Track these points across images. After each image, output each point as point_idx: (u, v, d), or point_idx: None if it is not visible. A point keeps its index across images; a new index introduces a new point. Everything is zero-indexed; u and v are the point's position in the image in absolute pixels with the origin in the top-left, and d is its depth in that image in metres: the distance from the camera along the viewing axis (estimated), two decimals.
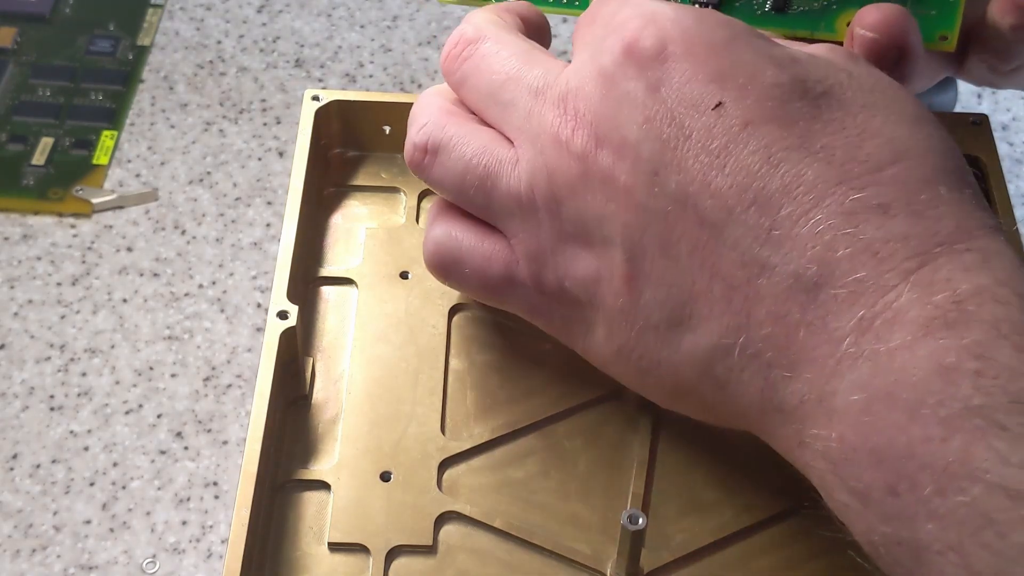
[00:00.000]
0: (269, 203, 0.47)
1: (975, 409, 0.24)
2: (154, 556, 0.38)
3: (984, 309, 0.26)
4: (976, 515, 0.24)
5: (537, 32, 0.35)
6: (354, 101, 0.39)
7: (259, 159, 0.48)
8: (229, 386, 0.42)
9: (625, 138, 0.30)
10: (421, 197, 0.39)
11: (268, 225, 0.46)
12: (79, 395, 0.41)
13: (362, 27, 0.54)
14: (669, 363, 0.30)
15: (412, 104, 0.35)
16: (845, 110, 0.29)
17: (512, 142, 0.32)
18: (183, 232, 0.46)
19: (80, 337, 0.43)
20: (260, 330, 0.43)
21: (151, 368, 0.42)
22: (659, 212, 0.29)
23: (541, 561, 0.32)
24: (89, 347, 0.43)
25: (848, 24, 0.34)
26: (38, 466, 0.40)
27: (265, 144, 0.49)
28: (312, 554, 0.31)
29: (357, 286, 0.37)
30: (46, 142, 0.49)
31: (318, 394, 0.34)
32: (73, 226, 0.46)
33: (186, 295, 0.44)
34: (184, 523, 0.38)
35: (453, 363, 0.35)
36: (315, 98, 0.39)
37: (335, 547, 0.31)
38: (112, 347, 0.43)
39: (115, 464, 0.40)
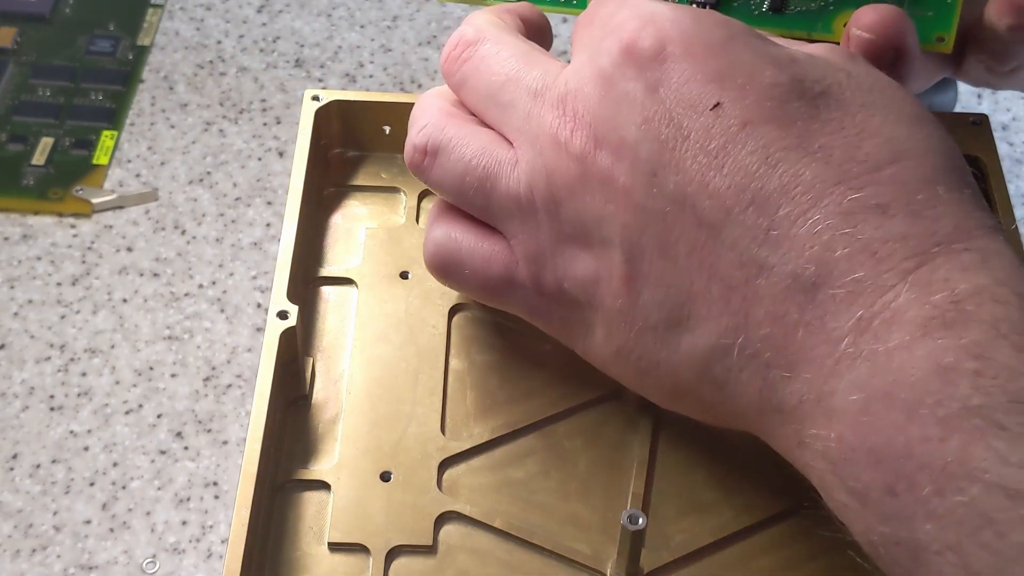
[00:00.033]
0: (269, 203, 0.47)
1: (974, 409, 0.24)
2: (154, 556, 0.38)
3: (983, 309, 0.26)
4: (975, 515, 0.24)
5: (538, 33, 0.36)
6: (354, 101, 0.39)
7: (259, 159, 0.48)
8: (229, 386, 0.42)
9: (624, 139, 0.30)
10: (421, 197, 0.39)
11: (268, 225, 0.46)
12: (79, 395, 0.41)
13: (362, 27, 0.54)
14: (668, 363, 0.30)
15: (412, 104, 0.35)
16: (843, 110, 0.29)
17: (511, 143, 0.32)
18: (183, 232, 0.46)
19: (80, 337, 0.43)
20: (260, 330, 0.43)
21: (151, 368, 0.42)
22: (658, 213, 0.29)
23: (541, 561, 0.32)
24: (89, 347, 0.43)
25: (845, 25, 0.34)
26: (38, 466, 0.40)
27: (265, 144, 0.49)
28: (312, 554, 0.31)
29: (357, 286, 0.37)
30: (46, 142, 0.49)
31: (318, 394, 0.34)
32: (73, 226, 0.46)
33: (186, 295, 0.44)
34: (184, 523, 0.38)
35: (453, 363, 0.35)
36: (315, 98, 0.39)
37: (335, 547, 0.32)
38: (112, 347, 0.43)
39: (115, 464, 0.40)
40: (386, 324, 0.36)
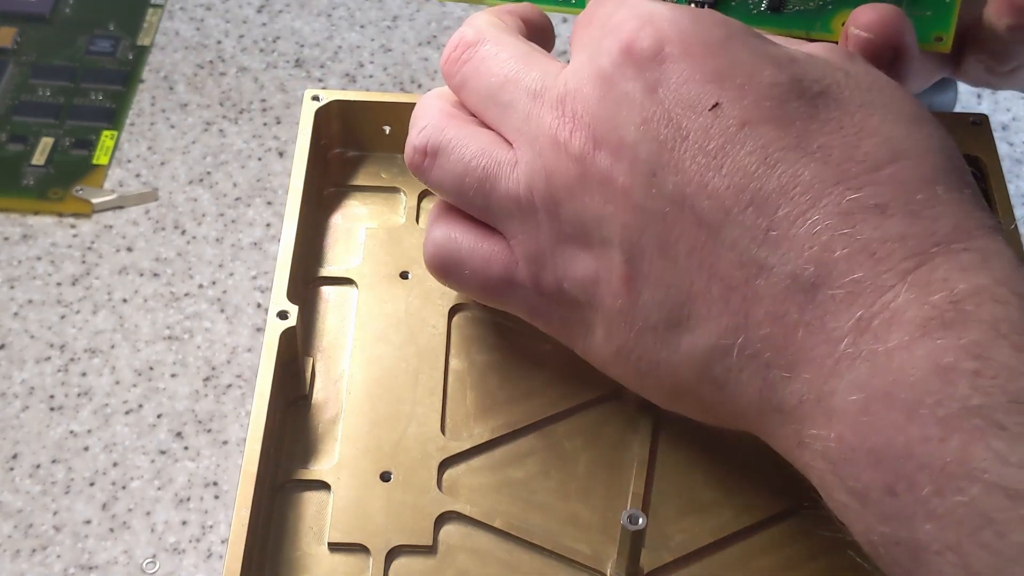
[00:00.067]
0: (269, 203, 0.47)
1: (973, 409, 0.25)
2: (154, 556, 0.38)
3: (982, 309, 0.26)
4: (975, 515, 0.24)
5: (539, 34, 0.36)
6: (354, 101, 0.39)
7: (259, 159, 0.48)
8: (229, 386, 0.42)
9: (623, 139, 0.30)
10: (421, 197, 0.39)
11: (268, 225, 0.46)
12: (79, 395, 0.41)
13: (362, 27, 0.54)
14: (668, 364, 0.30)
15: (412, 104, 0.35)
16: (842, 109, 0.29)
17: (511, 144, 0.32)
18: (183, 232, 0.46)
19: (80, 337, 0.43)
20: (260, 330, 0.43)
21: (151, 368, 0.42)
22: (657, 213, 0.29)
23: (541, 561, 0.32)
24: (89, 347, 0.43)
25: (843, 24, 0.34)
26: (38, 466, 0.40)
27: (265, 144, 0.49)
28: (312, 554, 0.31)
29: (357, 286, 0.37)
30: (46, 142, 0.49)
31: (318, 394, 0.34)
32: (73, 226, 0.46)
33: (186, 295, 0.44)
34: (184, 523, 0.38)
35: (453, 363, 0.35)
36: (315, 98, 0.39)
37: (335, 547, 0.32)
38: (112, 347, 0.43)
39: (115, 464, 0.40)
40: (386, 324, 0.36)
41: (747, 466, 0.33)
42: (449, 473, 0.33)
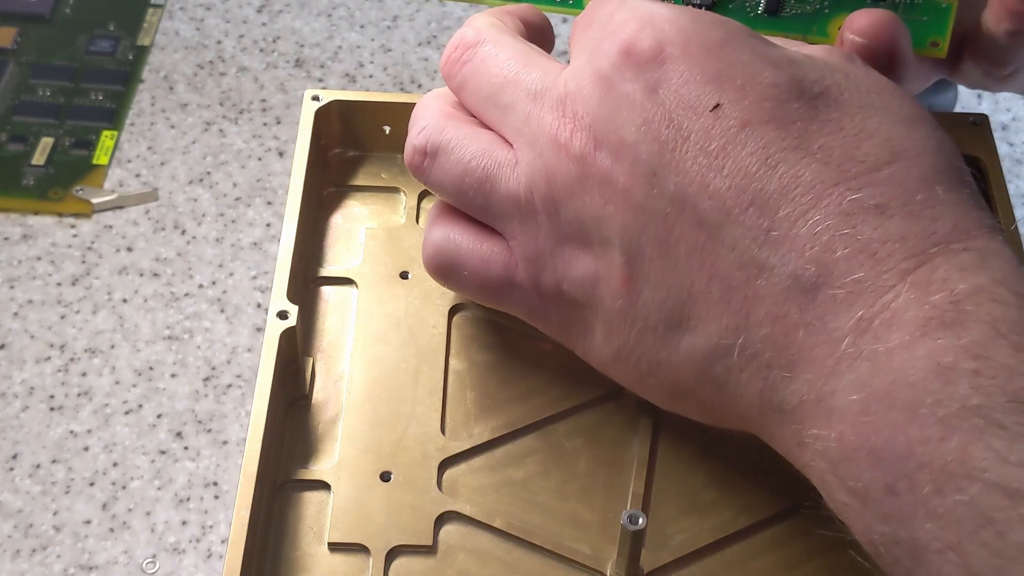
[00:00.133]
0: (269, 203, 0.47)
1: (973, 408, 0.25)
2: (154, 556, 0.38)
3: (982, 309, 0.26)
4: (975, 514, 0.24)
5: (539, 35, 0.36)
6: (354, 101, 0.39)
7: (259, 159, 0.48)
8: (229, 386, 0.42)
9: (623, 139, 0.30)
10: (421, 197, 0.39)
11: (268, 225, 0.46)
12: (79, 395, 0.41)
13: (362, 27, 0.54)
14: (668, 364, 0.30)
15: (412, 104, 0.35)
16: (842, 110, 0.29)
17: (511, 145, 0.32)
18: (183, 232, 0.46)
19: (80, 337, 0.43)
20: (260, 330, 0.43)
21: (151, 368, 0.42)
22: (657, 213, 0.29)
23: (541, 561, 0.32)
24: (89, 347, 0.43)
25: (840, 28, 0.34)
26: (38, 466, 0.40)
27: (265, 144, 0.49)
28: (312, 554, 0.31)
29: (357, 286, 0.37)
30: (46, 142, 0.49)
31: (318, 394, 0.34)
32: (73, 226, 0.46)
33: (186, 295, 0.44)
34: (184, 523, 0.39)
35: (453, 363, 0.35)
36: (315, 98, 0.39)
37: (335, 547, 0.32)
38: (112, 347, 0.43)
39: (115, 464, 0.40)
40: (386, 324, 0.36)
41: (747, 466, 0.33)
42: (449, 473, 0.33)
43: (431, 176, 0.34)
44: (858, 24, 0.34)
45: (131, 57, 0.52)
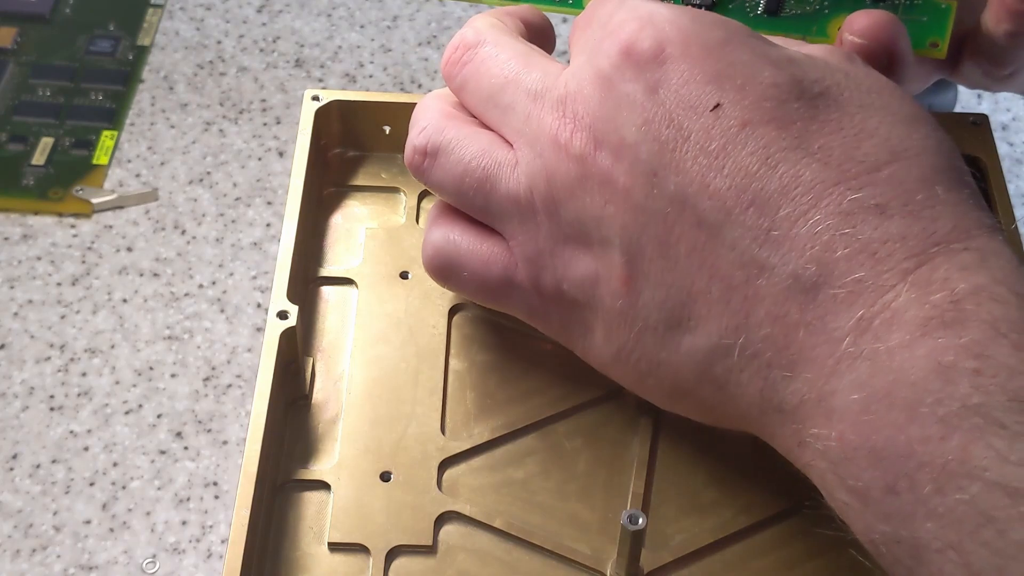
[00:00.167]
0: (269, 203, 0.47)
1: (973, 408, 0.25)
2: (154, 556, 0.38)
3: (982, 308, 0.26)
4: (975, 513, 0.24)
5: (540, 35, 0.36)
6: (354, 101, 0.39)
7: (259, 159, 0.48)
8: (229, 386, 0.42)
9: (624, 139, 0.30)
10: (421, 197, 0.39)
11: (268, 225, 0.46)
12: (79, 395, 0.41)
13: (362, 27, 0.54)
14: (668, 364, 0.30)
15: (412, 104, 0.35)
16: (842, 110, 0.29)
17: (511, 145, 0.32)
18: (183, 232, 0.46)
19: (80, 337, 0.43)
20: (260, 330, 0.43)
21: (151, 368, 0.42)
22: (657, 213, 0.29)
23: (541, 561, 0.32)
24: (89, 347, 0.43)
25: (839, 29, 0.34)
26: (38, 466, 0.40)
27: (265, 144, 0.49)
28: (312, 554, 0.31)
29: (357, 286, 0.37)
30: (46, 142, 0.49)
31: (318, 394, 0.34)
32: (73, 226, 0.46)
33: (186, 295, 0.44)
34: (184, 523, 0.38)
35: (453, 363, 0.35)
36: (315, 98, 0.39)
37: (335, 547, 0.32)
38: (112, 347, 0.43)
39: (115, 464, 0.40)
40: (386, 324, 0.36)
41: (747, 466, 0.33)
42: (449, 473, 0.33)
43: (431, 176, 0.34)
44: (857, 25, 0.34)
45: (131, 57, 0.52)
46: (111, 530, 0.38)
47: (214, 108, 0.50)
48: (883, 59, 0.33)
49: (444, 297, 0.36)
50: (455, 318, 0.36)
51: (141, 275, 0.45)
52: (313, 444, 0.33)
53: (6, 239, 0.46)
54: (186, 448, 0.40)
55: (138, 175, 0.48)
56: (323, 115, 0.39)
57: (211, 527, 0.38)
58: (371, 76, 0.52)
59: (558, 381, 0.35)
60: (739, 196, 0.28)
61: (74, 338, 0.43)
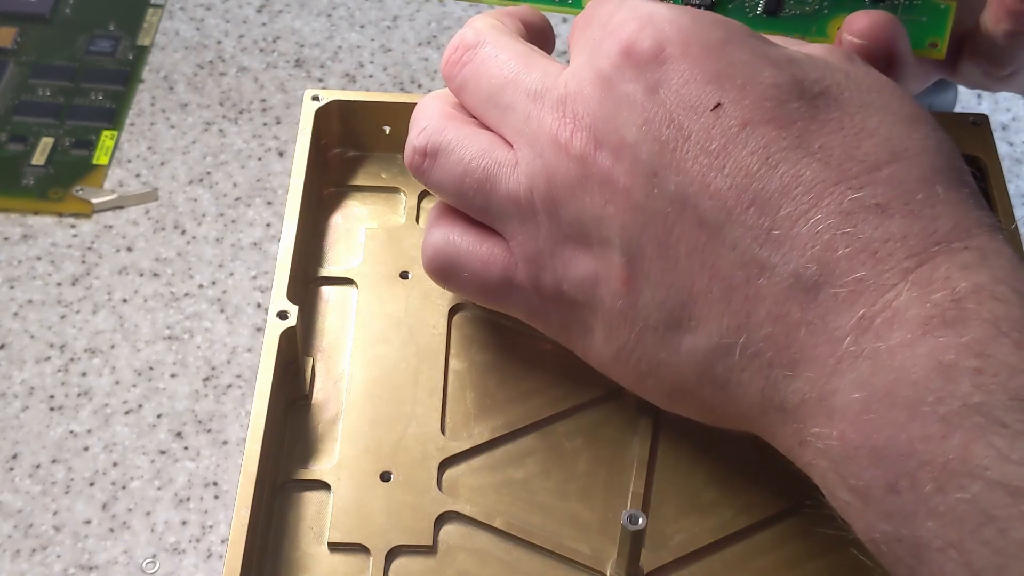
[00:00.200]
0: (269, 203, 0.47)
1: (974, 406, 0.25)
2: (154, 556, 0.38)
3: (983, 307, 0.26)
4: (976, 512, 0.24)
5: (539, 36, 0.36)
6: (354, 101, 0.39)
7: (259, 159, 0.48)
8: (229, 386, 0.42)
9: (624, 139, 0.30)
10: (421, 197, 0.39)
11: (268, 225, 0.46)
12: (79, 395, 0.41)
13: (362, 27, 0.54)
14: (669, 364, 0.30)
15: (412, 104, 0.35)
16: (842, 110, 0.29)
17: (511, 145, 0.32)
18: (183, 232, 0.46)
19: (80, 337, 0.43)
20: (260, 330, 0.43)
21: (151, 368, 0.42)
22: (658, 213, 0.29)
23: (541, 561, 0.32)
24: (89, 347, 0.43)
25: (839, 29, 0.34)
26: (38, 466, 0.40)
27: (265, 144, 0.49)
28: (312, 554, 0.31)
29: (357, 286, 0.37)
30: (46, 142, 0.49)
31: (318, 394, 0.34)
32: (73, 226, 0.46)
33: (186, 295, 0.44)
34: (184, 523, 0.38)
35: (453, 363, 0.35)
36: (315, 98, 0.39)
37: (335, 547, 0.32)
38: (112, 347, 0.43)
39: (115, 464, 0.40)
40: (386, 324, 0.36)
41: (747, 466, 0.33)
42: (449, 473, 0.33)
43: (431, 177, 0.34)
44: (856, 25, 0.34)
45: (131, 57, 0.52)
46: (111, 530, 0.38)
47: (214, 108, 0.50)
48: (882, 59, 0.33)
49: (444, 297, 0.36)
50: (455, 318, 0.36)
51: (141, 275, 0.45)
52: (313, 444, 0.33)
53: (6, 239, 0.46)
54: (186, 448, 0.40)
55: (138, 175, 0.48)
56: (323, 115, 0.39)
57: (211, 527, 0.38)
58: (371, 76, 0.52)
59: (558, 381, 0.35)
60: (740, 196, 0.28)
61: (74, 338, 0.43)
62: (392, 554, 0.31)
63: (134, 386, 0.42)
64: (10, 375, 0.42)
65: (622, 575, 0.31)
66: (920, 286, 0.26)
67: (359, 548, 0.31)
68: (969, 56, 0.37)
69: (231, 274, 0.45)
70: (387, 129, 0.40)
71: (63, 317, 0.43)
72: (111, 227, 0.46)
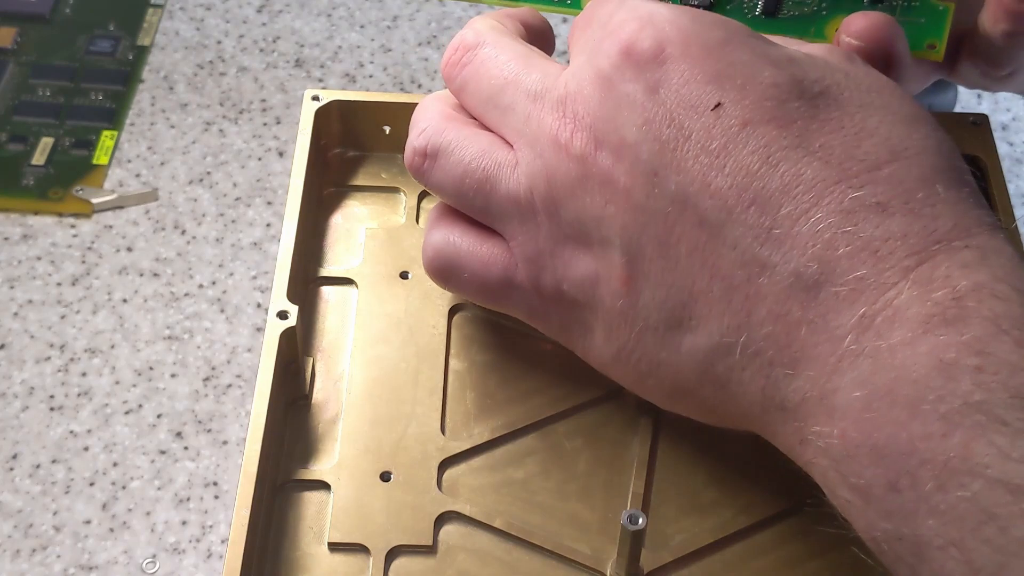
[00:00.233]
0: (269, 203, 0.47)
1: (975, 405, 0.25)
2: (154, 556, 0.38)
3: (983, 305, 0.26)
4: (977, 510, 0.24)
5: (539, 38, 0.36)
6: (354, 101, 0.39)
7: (259, 159, 0.48)
8: (229, 386, 0.42)
9: (624, 139, 0.30)
10: (421, 197, 0.39)
11: (268, 225, 0.46)
12: (79, 395, 0.41)
13: (362, 27, 0.54)
14: (669, 364, 0.30)
15: (412, 104, 0.35)
16: (842, 109, 0.29)
17: (511, 146, 0.32)
18: (183, 232, 0.46)
19: (80, 337, 0.43)
20: (260, 330, 0.43)
21: (151, 368, 0.42)
22: (658, 213, 0.29)
23: (541, 561, 0.32)
24: (89, 347, 0.43)
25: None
26: (38, 466, 0.40)
27: (265, 144, 0.49)
28: (312, 554, 0.31)
29: (357, 286, 0.37)
30: (46, 142, 0.49)
31: (318, 394, 0.34)
32: (73, 226, 0.46)
33: (186, 295, 0.44)
34: (184, 523, 0.38)
35: (453, 363, 0.35)
36: (315, 98, 0.39)
37: (335, 547, 0.32)
38: (112, 347, 0.43)
39: (115, 464, 0.40)
40: (386, 324, 0.36)
41: (747, 466, 0.33)
42: (449, 473, 0.33)
43: (431, 178, 0.34)
44: (854, 27, 0.34)
45: (131, 57, 0.52)
46: (111, 530, 0.38)
47: (214, 108, 0.50)
48: (880, 61, 0.33)
49: (444, 297, 0.36)
50: (455, 318, 0.36)
51: (141, 275, 0.45)
52: (313, 444, 0.33)
53: (6, 239, 0.46)
54: (186, 448, 0.40)
55: (138, 175, 0.48)
56: (323, 115, 0.39)
57: (211, 527, 0.38)
58: (371, 76, 0.52)
59: (558, 381, 0.35)
60: (740, 195, 0.28)
61: (74, 338, 0.43)
62: (392, 554, 0.31)
63: (134, 386, 0.42)
64: (10, 375, 0.42)
65: (622, 575, 0.31)
66: (921, 284, 0.26)
67: (359, 548, 0.31)
68: (967, 56, 0.37)
69: (231, 274, 0.45)
70: (387, 129, 0.40)
71: (63, 317, 0.43)
72: (111, 227, 0.46)
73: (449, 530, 0.32)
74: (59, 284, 0.44)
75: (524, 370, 0.35)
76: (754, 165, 0.28)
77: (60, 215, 0.46)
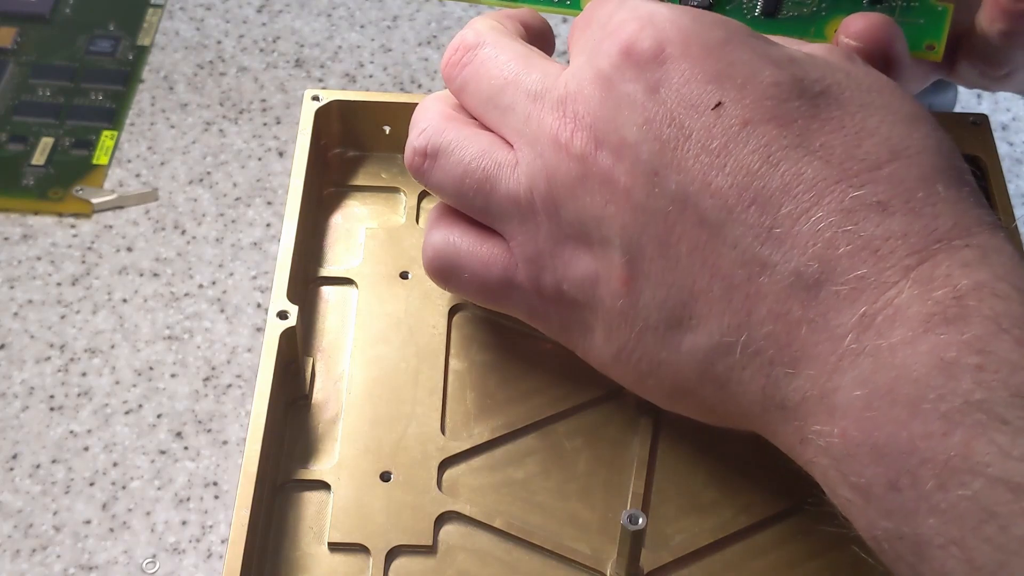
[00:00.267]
0: (269, 203, 0.47)
1: (976, 403, 0.25)
2: (154, 556, 0.38)
3: (984, 304, 0.26)
4: (978, 509, 0.24)
5: (539, 38, 0.36)
6: (354, 101, 0.39)
7: (259, 159, 0.48)
8: (229, 386, 0.42)
9: (624, 139, 0.30)
10: (421, 197, 0.39)
11: (268, 225, 0.46)
12: (79, 395, 0.41)
13: (362, 27, 0.54)
14: (669, 364, 0.30)
15: (412, 104, 0.35)
16: (843, 109, 0.29)
17: (511, 146, 0.32)
18: (183, 232, 0.46)
19: (80, 337, 0.43)
20: (260, 330, 0.43)
21: (151, 368, 0.42)
22: (658, 212, 0.29)
23: (541, 561, 0.32)
24: (89, 347, 0.43)
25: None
26: (38, 466, 0.40)
27: (265, 144, 0.49)
28: (312, 554, 0.31)
29: (357, 286, 0.37)
30: (46, 142, 0.49)
31: (318, 394, 0.34)
32: (73, 226, 0.46)
33: (186, 295, 0.44)
34: (184, 523, 0.38)
35: (453, 363, 0.35)
36: (315, 98, 0.39)
37: (335, 547, 0.32)
38: (112, 347, 0.43)
39: (115, 464, 0.40)
40: (386, 324, 0.36)
41: (747, 466, 0.33)
42: (449, 473, 0.33)
43: (431, 178, 0.34)
44: (853, 27, 0.34)
45: (131, 57, 0.52)
46: (111, 530, 0.38)
47: (214, 108, 0.50)
48: (879, 61, 0.33)
49: (444, 297, 0.36)
50: (455, 318, 0.36)
51: (141, 275, 0.45)
52: (313, 444, 0.33)
53: (6, 239, 0.46)
54: (186, 448, 0.40)
55: (138, 175, 0.48)
56: (323, 115, 0.39)
57: (211, 527, 0.38)
58: (371, 76, 0.52)
59: (558, 381, 0.35)
60: (741, 194, 0.28)
61: (74, 338, 0.43)
62: (392, 554, 0.31)
63: (134, 386, 0.42)
64: (10, 375, 0.42)
65: (622, 575, 0.31)
66: (921, 284, 0.26)
67: (359, 548, 0.31)
68: (965, 56, 0.37)
69: (231, 274, 0.45)
70: (387, 129, 0.40)
71: (63, 317, 0.43)
72: (111, 227, 0.46)
73: (449, 530, 0.32)
74: (59, 284, 0.44)
75: (524, 370, 0.35)
76: (755, 164, 0.28)
77: (60, 215, 0.46)
